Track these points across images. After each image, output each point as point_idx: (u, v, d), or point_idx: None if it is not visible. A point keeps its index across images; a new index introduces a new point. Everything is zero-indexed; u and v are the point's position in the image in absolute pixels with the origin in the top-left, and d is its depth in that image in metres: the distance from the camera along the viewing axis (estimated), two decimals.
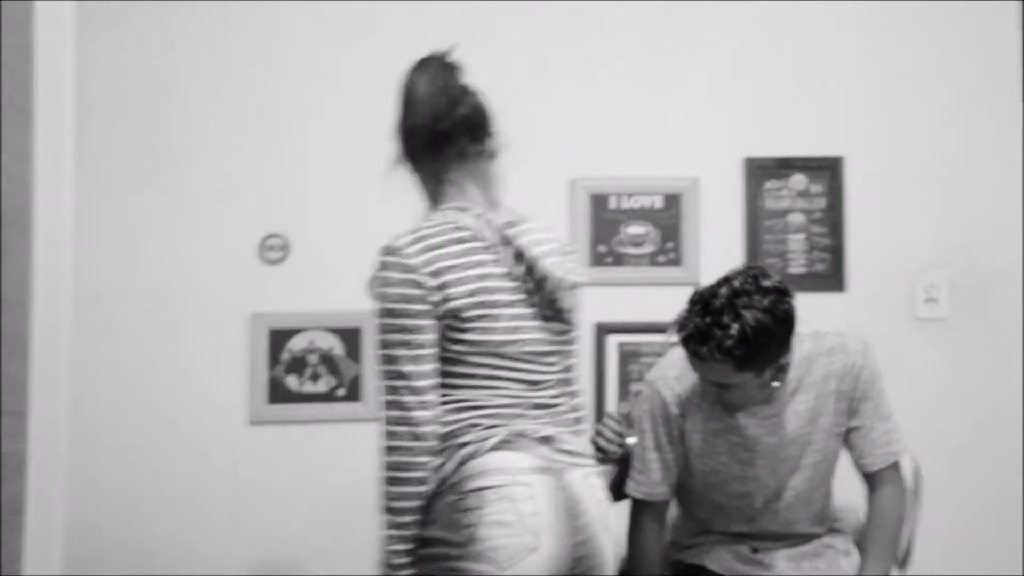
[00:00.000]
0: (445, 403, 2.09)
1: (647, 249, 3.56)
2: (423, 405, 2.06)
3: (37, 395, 3.18)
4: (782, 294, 2.32)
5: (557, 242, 2.21)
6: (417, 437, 2.04)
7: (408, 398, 2.05)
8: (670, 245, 3.55)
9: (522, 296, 2.13)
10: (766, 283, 2.32)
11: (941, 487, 3.38)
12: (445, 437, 2.08)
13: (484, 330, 2.09)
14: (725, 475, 2.57)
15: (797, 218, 3.56)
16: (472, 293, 2.08)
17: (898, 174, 3.58)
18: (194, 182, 3.49)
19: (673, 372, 2.58)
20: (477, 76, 3.51)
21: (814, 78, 3.62)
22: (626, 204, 3.56)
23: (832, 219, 3.56)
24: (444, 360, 2.09)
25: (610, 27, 3.59)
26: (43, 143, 3.23)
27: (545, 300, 2.15)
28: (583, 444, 2.21)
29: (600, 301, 3.49)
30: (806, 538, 2.64)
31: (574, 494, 2.07)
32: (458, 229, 2.12)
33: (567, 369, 2.24)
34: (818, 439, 2.55)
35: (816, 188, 3.58)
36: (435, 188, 2.20)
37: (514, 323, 2.12)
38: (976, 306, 3.54)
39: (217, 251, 3.48)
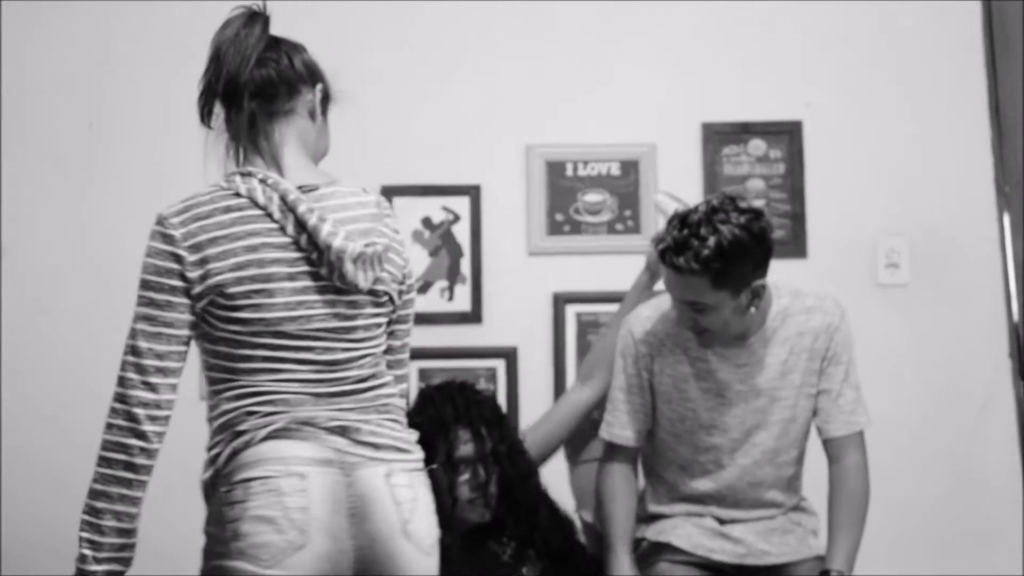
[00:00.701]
0: (227, 390, 1.94)
1: (605, 217, 3.51)
2: (147, 386, 1.91)
3: None
4: (758, 215, 2.40)
5: (365, 207, 2.02)
6: (131, 418, 1.90)
7: (132, 375, 1.91)
8: (628, 213, 3.50)
9: (307, 268, 1.93)
10: (742, 204, 2.40)
11: (900, 455, 3.39)
12: (224, 426, 1.93)
13: (257, 307, 1.91)
14: (692, 424, 2.55)
15: (756, 184, 3.52)
16: (238, 267, 1.91)
17: (858, 139, 3.55)
18: (133, 158, 3.42)
19: (647, 312, 2.62)
20: (427, 40, 3.50)
21: (773, 42, 3.57)
22: (583, 171, 3.51)
23: (792, 184, 3.52)
24: (222, 342, 1.93)
25: None
26: None
27: (334, 271, 1.94)
28: (397, 435, 1.99)
29: (557, 270, 3.47)
30: (773, 507, 2.60)
31: (363, 492, 1.90)
32: (235, 196, 1.94)
33: (385, 348, 2.06)
34: (788, 395, 2.54)
35: (775, 153, 3.54)
36: (232, 152, 2.04)
37: (296, 298, 1.93)
38: (938, 271, 3.52)
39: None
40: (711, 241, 2.33)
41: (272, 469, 1.87)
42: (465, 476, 2.52)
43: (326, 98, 2.13)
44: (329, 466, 1.90)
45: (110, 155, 3.43)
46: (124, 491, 1.90)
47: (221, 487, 1.91)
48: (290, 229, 1.93)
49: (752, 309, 2.46)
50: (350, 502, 1.89)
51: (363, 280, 1.95)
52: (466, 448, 2.51)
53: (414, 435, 2.04)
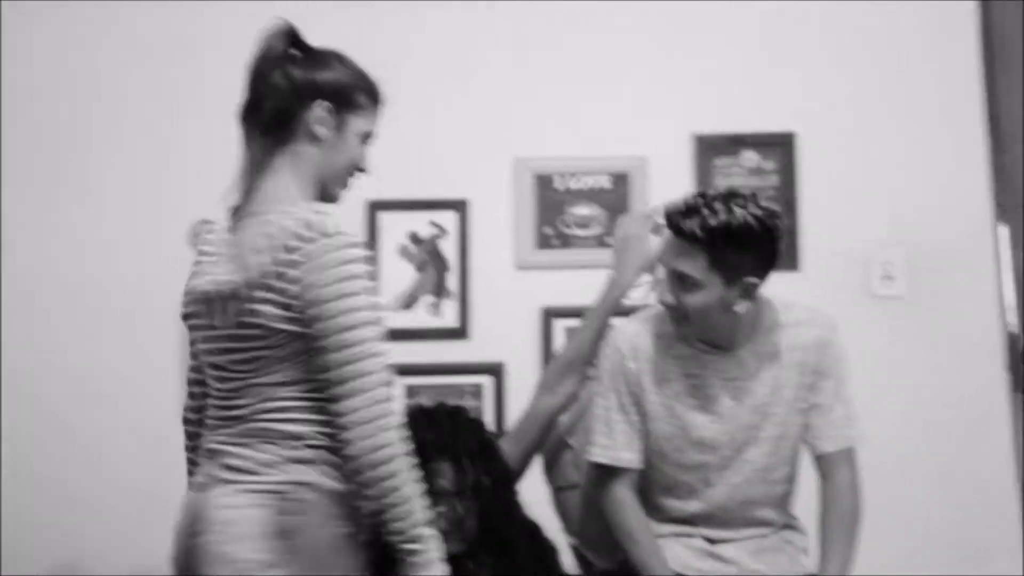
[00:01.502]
0: None
1: (594, 231, 3.46)
2: (186, 397, 2.22)
3: None
4: (774, 215, 2.37)
5: (264, 237, 1.96)
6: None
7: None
8: None
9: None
10: (763, 202, 2.37)
11: (897, 469, 3.34)
12: None
13: (192, 341, 2.11)
14: (681, 441, 2.49)
15: None
16: (184, 303, 2.09)
17: (852, 150, 3.51)
18: (123, 169, 3.41)
19: (633, 327, 2.55)
20: (415, 53, 3.46)
21: (765, 52, 3.54)
22: (572, 184, 3.46)
23: (785, 197, 3.47)
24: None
25: (556, 3, 3.49)
26: None
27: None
28: (258, 456, 1.97)
29: (546, 285, 3.43)
30: (764, 526, 2.54)
31: (196, 512, 1.98)
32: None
33: (303, 377, 1.98)
34: (779, 411, 2.48)
35: (768, 165, 3.49)
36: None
37: (201, 333, 2.07)
38: (934, 284, 3.47)
39: (152, 239, 3.39)
40: (722, 216, 2.30)
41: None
42: (442, 508, 2.45)
43: (340, 110, 2.08)
44: (193, 489, 2.04)
45: (110, 158, 3.42)
46: None
47: None
48: None
49: (738, 309, 2.39)
50: (185, 522, 2.01)
51: (219, 319, 2.00)
52: (445, 481, 2.44)
53: (287, 455, 1.98)
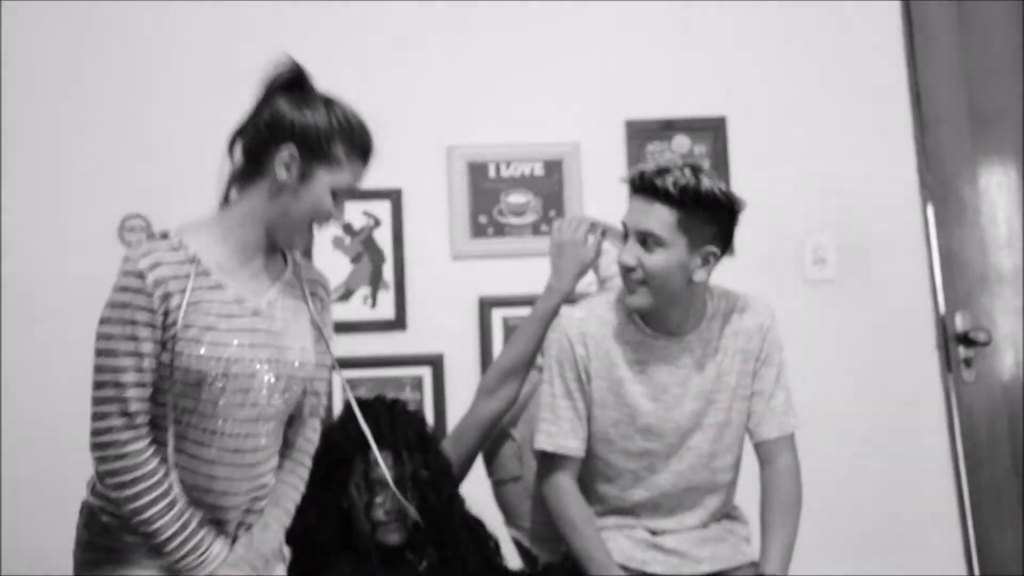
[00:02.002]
0: None
1: (529, 218, 3.45)
2: None
3: None
4: (735, 197, 2.41)
5: None
6: None
7: None
8: (552, 213, 3.45)
9: None
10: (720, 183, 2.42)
11: (831, 451, 3.38)
12: None
13: None
14: (627, 428, 2.49)
15: None
16: None
17: (782, 133, 3.53)
18: (46, 163, 3.32)
19: (579, 313, 2.54)
20: (342, 41, 3.41)
21: (695, 38, 3.55)
22: (505, 172, 3.45)
23: None
24: None
25: None
26: None
27: None
28: None
29: (482, 274, 3.41)
30: (707, 515, 2.56)
31: None
32: None
33: None
34: (722, 398, 2.50)
35: (699, 150, 3.50)
36: None
37: None
38: (865, 266, 3.52)
39: (77, 234, 3.31)
40: (692, 180, 2.34)
41: None
42: (380, 499, 2.44)
43: (309, 157, 2.05)
44: None
45: (23, 161, 3.33)
46: None
47: None
48: None
49: (696, 279, 2.40)
50: None
51: None
52: (384, 471, 2.42)
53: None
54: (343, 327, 3.32)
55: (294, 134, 2.04)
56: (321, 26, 3.40)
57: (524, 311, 3.33)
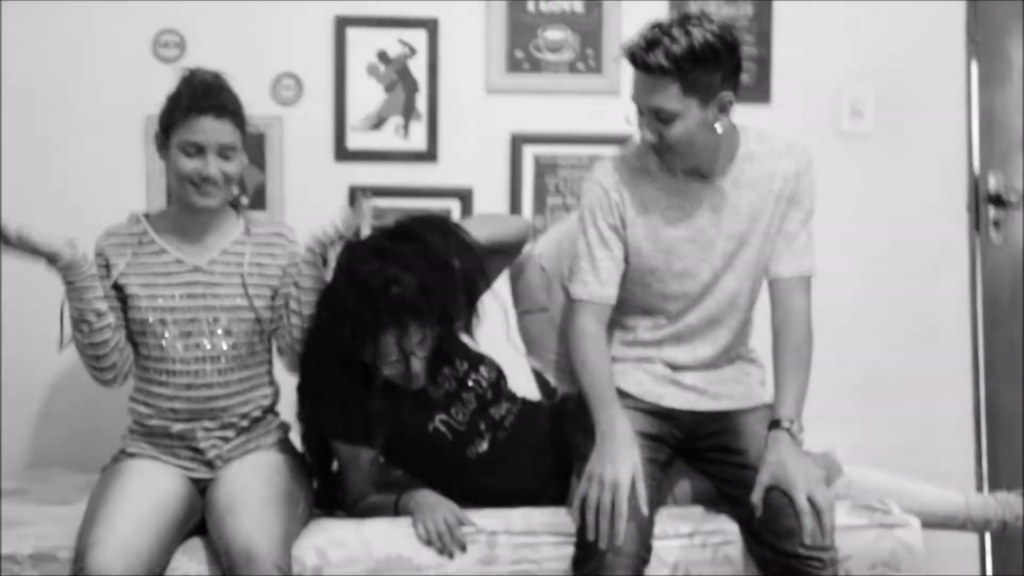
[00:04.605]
0: None
1: (566, 56, 3.41)
2: None
3: None
4: (730, 28, 2.39)
5: None
6: None
7: None
8: (590, 52, 3.40)
9: None
10: (715, 19, 2.38)
11: (854, 305, 3.41)
12: None
13: None
14: (663, 272, 2.53)
15: None
16: None
17: None
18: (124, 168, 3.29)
19: (613, 162, 2.55)
20: None
21: None
22: (544, 7, 3.39)
23: (759, 27, 3.42)
24: None
25: None
26: None
27: None
28: None
29: (516, 110, 3.39)
30: (723, 349, 2.60)
31: None
32: None
33: None
34: (754, 239, 2.53)
35: None
36: None
37: None
38: (902, 121, 3.47)
39: (110, 48, 3.27)
40: (683, 41, 2.30)
41: None
42: (392, 370, 2.51)
43: (166, 132, 2.55)
44: None
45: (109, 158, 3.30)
46: None
47: None
48: None
49: (719, 126, 2.40)
50: None
51: None
52: (391, 354, 2.47)
53: None
54: (374, 155, 3.34)
55: (159, 122, 2.54)
56: None
57: (556, 149, 3.38)
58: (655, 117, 2.39)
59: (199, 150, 2.48)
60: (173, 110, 2.50)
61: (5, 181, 3.22)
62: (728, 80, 2.38)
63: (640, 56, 2.34)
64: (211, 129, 2.48)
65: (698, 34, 2.31)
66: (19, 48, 3.24)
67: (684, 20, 2.35)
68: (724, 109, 2.40)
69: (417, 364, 2.49)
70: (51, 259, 2.43)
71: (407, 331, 2.44)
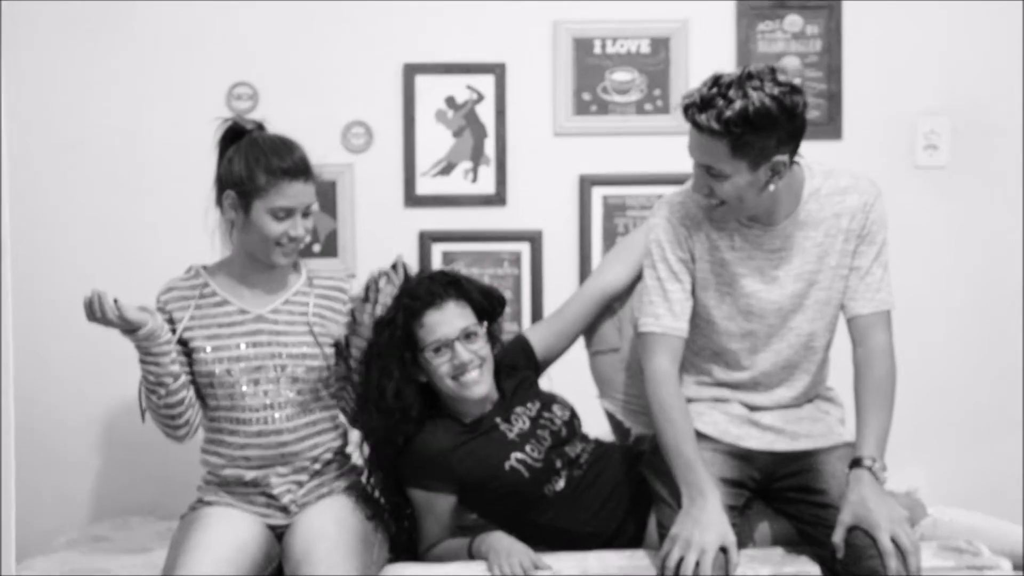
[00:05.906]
0: None
1: (633, 97, 3.41)
2: None
3: None
4: (795, 90, 2.32)
5: None
6: None
7: None
8: (657, 92, 3.40)
9: None
10: (781, 77, 2.31)
11: (934, 340, 3.34)
12: None
13: None
14: (730, 309, 2.50)
15: (792, 62, 3.40)
16: None
17: (898, 14, 3.41)
18: (155, 27, 3.33)
19: (680, 197, 2.54)
20: None
21: None
22: (611, 49, 3.40)
23: (828, 62, 3.40)
24: None
25: None
26: None
27: None
28: None
29: (584, 152, 3.40)
30: (801, 392, 2.56)
31: None
32: None
33: None
34: (824, 279, 2.49)
35: (812, 30, 3.41)
36: None
37: None
38: (978, 154, 3.41)
39: (183, 100, 3.33)
40: (737, 104, 2.26)
41: None
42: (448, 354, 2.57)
43: (245, 196, 2.53)
44: None
45: (132, 23, 3.34)
46: None
47: None
48: None
49: (771, 187, 2.37)
50: None
51: None
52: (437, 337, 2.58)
53: None
54: (443, 200, 3.36)
55: (231, 183, 2.53)
56: None
57: (624, 190, 3.38)
58: (706, 172, 2.37)
59: (288, 213, 2.51)
60: (255, 175, 2.50)
61: (74, 233, 3.30)
62: (784, 144, 2.33)
63: (692, 114, 2.31)
64: (301, 193, 2.52)
65: (756, 97, 2.26)
66: (96, 98, 3.32)
67: (745, 79, 2.28)
68: (777, 172, 2.36)
69: (464, 353, 2.53)
70: (132, 329, 2.45)
71: (450, 304, 2.57)
